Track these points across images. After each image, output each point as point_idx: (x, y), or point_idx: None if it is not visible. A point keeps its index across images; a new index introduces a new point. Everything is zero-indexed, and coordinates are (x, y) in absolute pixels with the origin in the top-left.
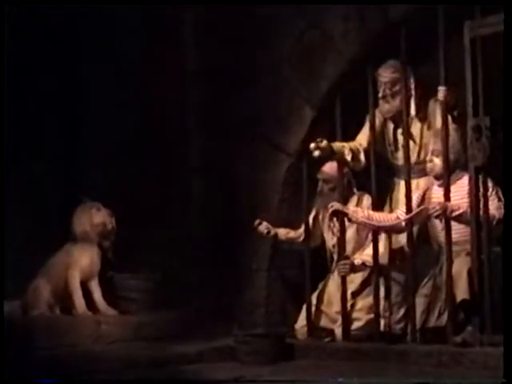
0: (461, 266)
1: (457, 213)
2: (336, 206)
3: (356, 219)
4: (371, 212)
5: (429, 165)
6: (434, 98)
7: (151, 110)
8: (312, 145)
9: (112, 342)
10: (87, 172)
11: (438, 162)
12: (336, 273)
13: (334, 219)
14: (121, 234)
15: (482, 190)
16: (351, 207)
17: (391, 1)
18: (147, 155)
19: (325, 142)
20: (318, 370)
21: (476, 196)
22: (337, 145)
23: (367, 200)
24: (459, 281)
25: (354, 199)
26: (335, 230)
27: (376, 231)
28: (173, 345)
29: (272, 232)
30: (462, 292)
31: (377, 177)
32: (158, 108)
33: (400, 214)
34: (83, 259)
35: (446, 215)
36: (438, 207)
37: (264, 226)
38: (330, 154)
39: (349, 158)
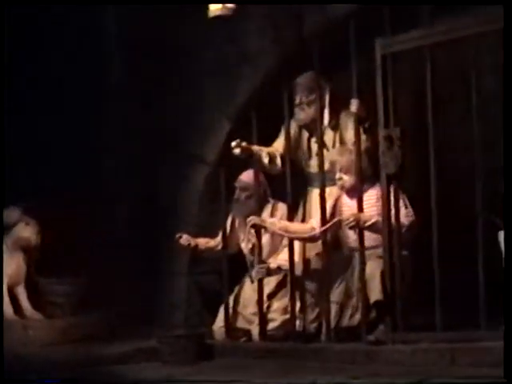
0: (373, 269)
1: (369, 223)
2: (254, 219)
3: (273, 231)
4: (288, 223)
5: (339, 182)
6: (346, 111)
7: (76, 118)
8: (233, 143)
9: (40, 346)
10: (12, 174)
11: (346, 178)
12: (252, 276)
13: (252, 230)
14: (45, 238)
15: (392, 197)
16: (268, 219)
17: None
18: (74, 162)
19: (245, 143)
20: (237, 368)
21: (387, 203)
22: (255, 147)
23: (281, 208)
24: (372, 283)
25: (269, 207)
26: (252, 238)
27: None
28: (98, 346)
29: (192, 243)
30: (375, 293)
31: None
32: (81, 116)
33: (315, 224)
34: (9, 266)
35: (359, 226)
36: (351, 219)
37: (185, 240)
38: (249, 155)
39: (266, 160)
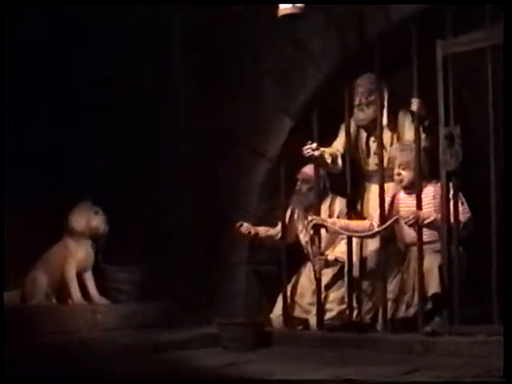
0: (431, 263)
1: (428, 221)
2: (316, 219)
3: (334, 230)
4: (348, 221)
5: (397, 177)
6: (403, 111)
7: (142, 118)
8: (313, 145)
9: (106, 330)
10: (80, 170)
11: (405, 174)
12: (308, 267)
13: (311, 231)
14: (112, 229)
15: (451, 195)
16: (329, 219)
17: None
18: (140, 159)
19: (315, 145)
20: (295, 357)
21: (447, 201)
22: (320, 149)
23: (339, 202)
24: (431, 276)
25: (328, 201)
26: (310, 231)
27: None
28: (160, 333)
29: (253, 231)
30: (434, 286)
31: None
32: (148, 116)
33: (374, 221)
34: (79, 252)
35: (419, 223)
36: (411, 217)
37: (245, 228)
38: (315, 157)
39: (329, 161)
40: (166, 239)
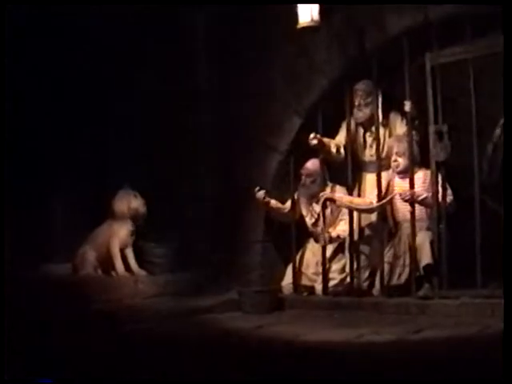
0: (423, 239)
1: (421, 197)
2: (327, 194)
3: (341, 203)
4: (352, 197)
5: (393, 164)
6: (395, 111)
7: (171, 118)
8: (312, 135)
9: (146, 298)
10: (120, 161)
11: (401, 161)
12: (311, 243)
13: (323, 205)
14: (148, 211)
15: (440, 180)
16: (337, 195)
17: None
18: (170, 154)
19: (312, 135)
20: (309, 318)
21: (436, 185)
22: (326, 140)
23: (339, 190)
24: (424, 249)
25: (328, 189)
26: (315, 214)
27: (351, 211)
28: (190, 299)
29: (267, 199)
30: (426, 257)
31: (346, 171)
32: (176, 116)
33: (373, 198)
34: (121, 231)
35: (414, 199)
36: (408, 193)
37: (261, 194)
38: (321, 146)
39: (334, 150)
40: (193, 220)
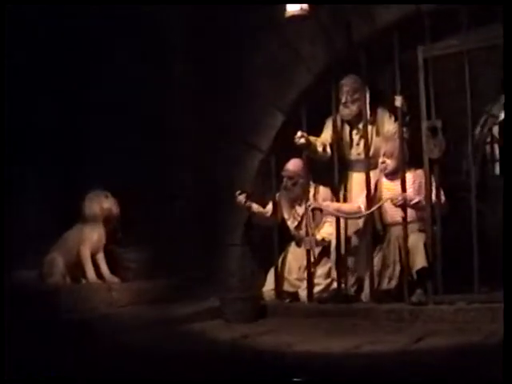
0: (417, 241)
1: (414, 201)
2: (314, 204)
3: (328, 212)
4: (339, 204)
5: (381, 165)
6: (382, 108)
7: (145, 110)
8: (299, 134)
9: (121, 306)
10: (90, 160)
11: (389, 162)
12: (293, 246)
13: (310, 214)
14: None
15: (433, 180)
16: (324, 203)
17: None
18: (145, 151)
19: (299, 133)
20: (297, 327)
21: (430, 185)
22: (312, 138)
23: (322, 190)
24: (416, 252)
25: (311, 191)
26: (297, 217)
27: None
28: (168, 307)
29: (248, 203)
30: (420, 261)
31: (331, 170)
32: (151, 109)
33: (361, 204)
34: (93, 235)
35: (406, 204)
36: (400, 198)
37: (242, 197)
38: (307, 144)
39: (320, 149)
40: (169, 222)
